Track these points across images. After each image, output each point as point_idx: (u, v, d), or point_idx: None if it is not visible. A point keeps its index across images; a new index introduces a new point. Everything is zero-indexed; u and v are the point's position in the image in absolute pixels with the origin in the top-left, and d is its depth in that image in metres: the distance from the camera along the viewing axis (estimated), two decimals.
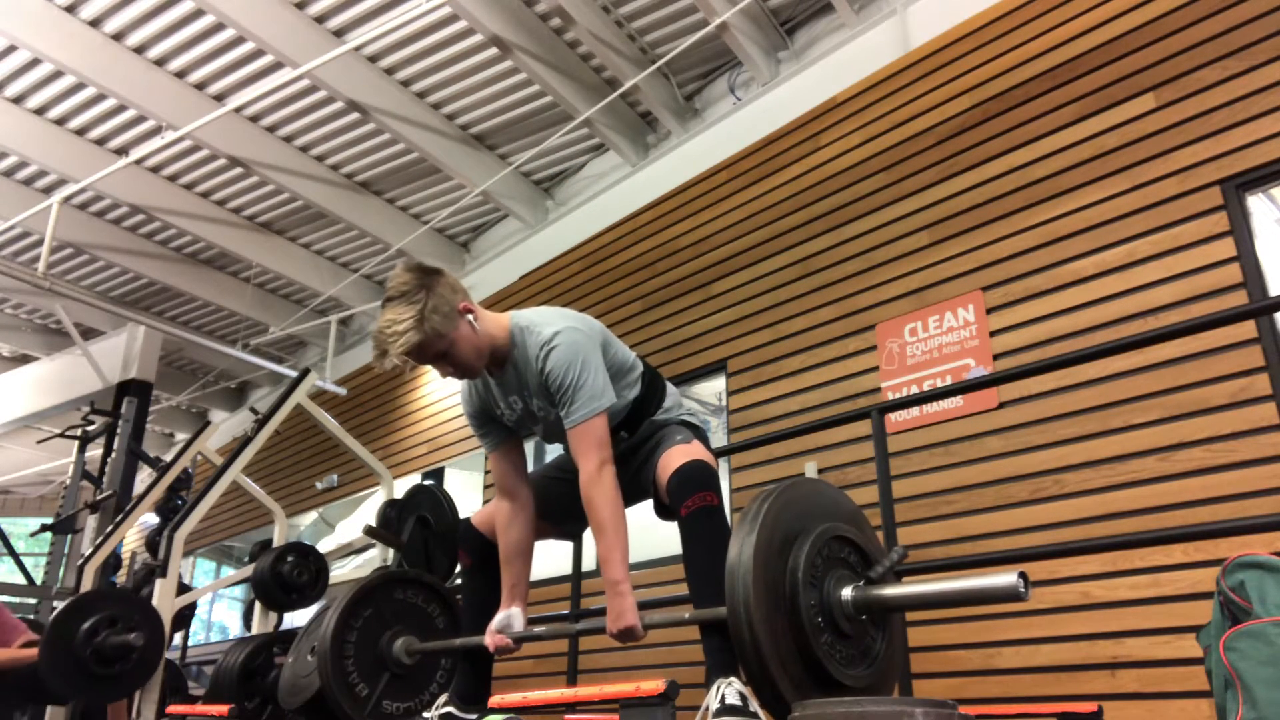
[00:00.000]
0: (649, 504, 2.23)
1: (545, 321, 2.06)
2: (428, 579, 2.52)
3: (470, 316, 2.01)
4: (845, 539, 1.57)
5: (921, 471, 4.13)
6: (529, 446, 2.66)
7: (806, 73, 5.58)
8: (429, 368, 8.14)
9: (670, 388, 2.29)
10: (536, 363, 2.03)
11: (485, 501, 6.69)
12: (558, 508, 2.28)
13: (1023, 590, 1.32)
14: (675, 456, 2.00)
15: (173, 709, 3.88)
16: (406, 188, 7.40)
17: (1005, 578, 1.33)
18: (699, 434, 2.21)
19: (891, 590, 1.50)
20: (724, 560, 1.89)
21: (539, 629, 2.14)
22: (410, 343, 1.91)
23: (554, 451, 2.43)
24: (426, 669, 2.38)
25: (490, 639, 2.10)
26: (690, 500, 1.90)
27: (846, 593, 1.48)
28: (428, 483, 6.29)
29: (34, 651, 3.66)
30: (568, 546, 3.73)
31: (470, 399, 2.24)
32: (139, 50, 6.02)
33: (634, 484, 2.18)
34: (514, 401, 2.16)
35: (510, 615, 2.12)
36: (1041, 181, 4.14)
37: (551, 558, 4.25)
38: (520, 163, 6.85)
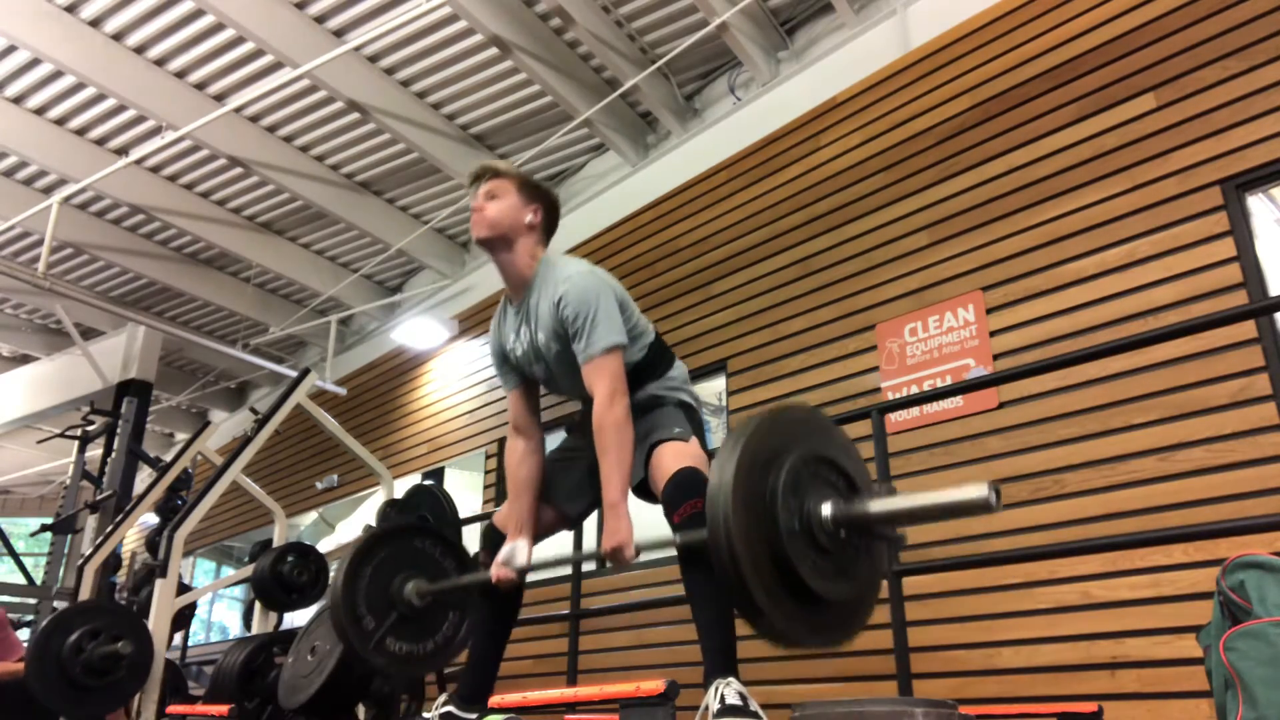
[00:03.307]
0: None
1: (572, 261, 2.19)
2: (447, 534, 2.57)
3: (533, 216, 2.20)
4: (831, 462, 1.58)
5: (921, 471, 4.13)
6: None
7: (806, 73, 5.58)
8: (429, 368, 8.11)
9: (679, 365, 2.30)
10: (554, 291, 2.09)
11: (486, 502, 6.70)
12: (562, 488, 2.29)
13: (994, 502, 1.34)
14: (669, 459, 2.02)
15: (173, 709, 3.89)
16: (406, 188, 7.40)
17: (976, 490, 1.35)
18: (694, 419, 2.20)
19: (871, 505, 1.51)
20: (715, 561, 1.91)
21: (541, 563, 2.16)
22: (509, 167, 2.26)
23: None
24: (433, 619, 2.42)
25: (495, 571, 2.13)
26: (683, 508, 1.93)
27: (826, 508, 1.50)
28: (428, 483, 6.29)
29: (20, 666, 3.67)
30: (567, 549, 3.72)
31: (494, 336, 2.33)
32: (139, 50, 6.02)
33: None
34: (523, 334, 2.21)
35: (515, 548, 2.15)
36: (1041, 181, 4.14)
37: (551, 549, 4.25)
38: (520, 163, 6.85)
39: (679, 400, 2.21)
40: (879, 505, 1.50)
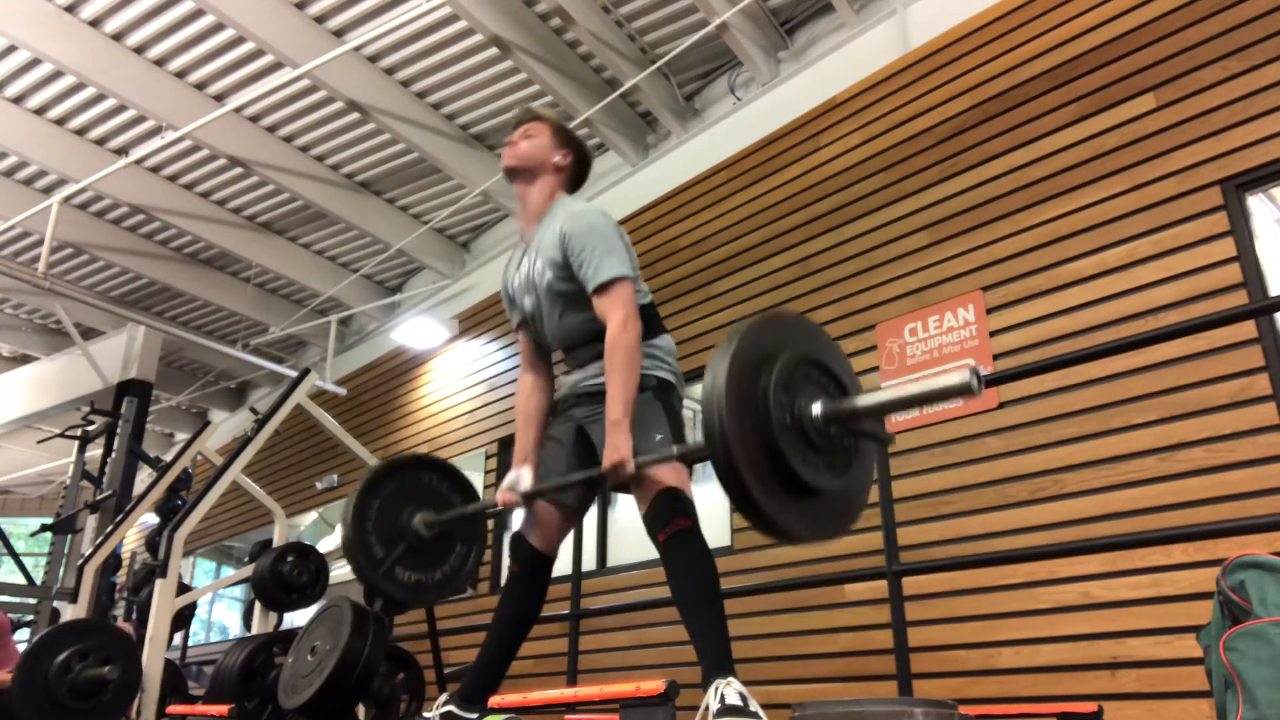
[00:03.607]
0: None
1: (584, 202, 2.33)
2: (455, 470, 2.64)
3: (561, 159, 2.34)
4: (822, 365, 1.63)
5: (921, 471, 4.13)
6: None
7: (806, 73, 5.58)
8: (429, 368, 8.08)
9: (667, 337, 2.33)
10: (563, 222, 2.19)
11: None
12: (551, 472, 2.27)
13: (975, 386, 1.37)
14: (649, 479, 2.01)
15: (173, 709, 3.89)
16: (406, 188, 7.40)
17: (957, 374, 1.39)
18: (673, 404, 2.18)
19: (858, 399, 1.57)
20: (703, 576, 1.91)
21: (548, 485, 2.18)
22: (547, 112, 2.37)
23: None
24: (441, 549, 2.49)
25: (500, 495, 2.20)
26: (666, 528, 1.96)
27: (817, 407, 1.55)
28: None
29: (7, 676, 3.63)
30: (567, 549, 3.72)
31: (504, 273, 2.42)
32: (139, 50, 6.02)
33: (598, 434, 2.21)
34: (524, 265, 2.29)
35: (520, 474, 2.22)
36: (1041, 181, 4.14)
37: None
38: None
39: (659, 380, 2.18)
40: (866, 398, 1.56)
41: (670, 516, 1.96)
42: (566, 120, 2.47)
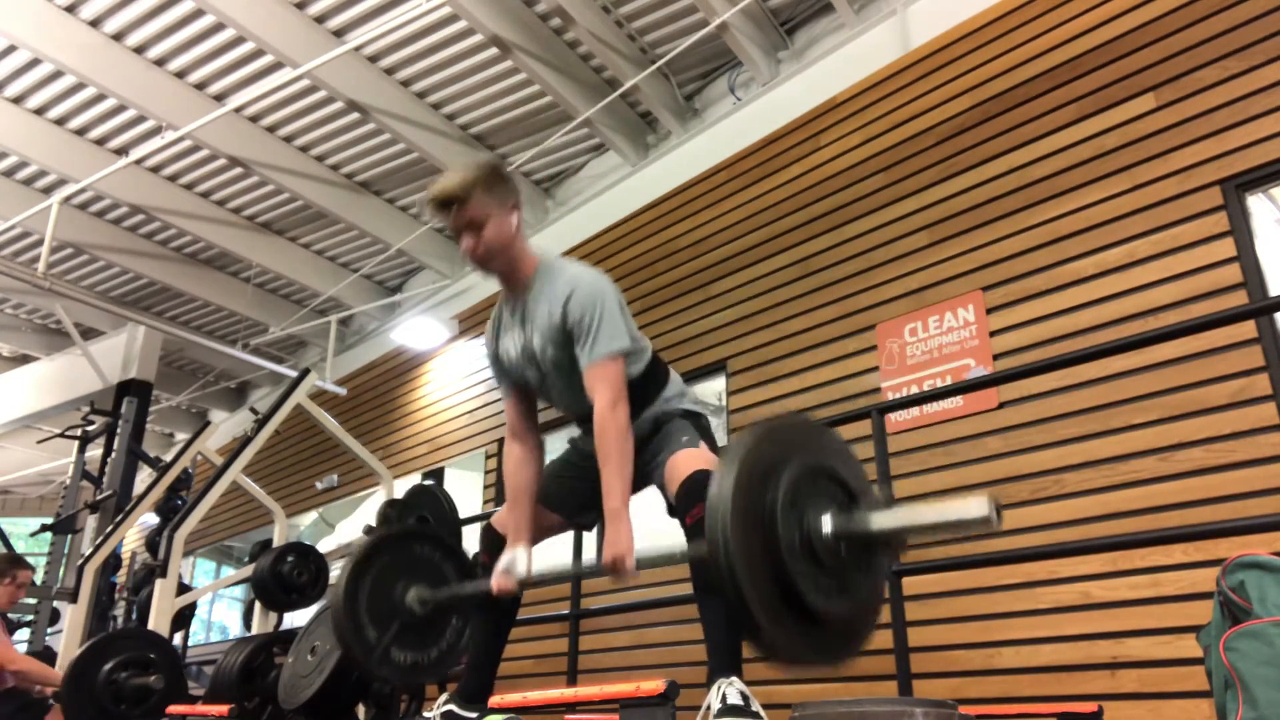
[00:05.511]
0: (646, 509, 2.22)
1: (573, 263, 2.16)
2: (446, 538, 2.56)
3: (516, 217, 2.11)
4: (829, 472, 1.57)
5: (921, 471, 4.13)
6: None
7: (806, 73, 5.58)
8: (429, 368, 8.06)
9: (674, 376, 2.29)
10: (559, 294, 2.06)
11: (486, 502, 6.70)
12: (572, 501, 2.28)
13: (995, 519, 1.34)
14: (681, 464, 2.01)
15: (173, 709, 3.88)
16: (406, 188, 7.40)
17: (978, 505, 1.35)
18: (701, 426, 2.20)
19: (871, 520, 1.51)
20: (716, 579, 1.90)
21: (541, 572, 2.13)
22: (469, 181, 2.02)
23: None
24: (436, 625, 2.41)
25: (495, 581, 2.13)
26: (695, 509, 1.92)
27: (827, 523, 1.49)
28: (428, 483, 6.29)
29: (59, 676, 3.73)
30: (568, 549, 3.73)
31: (489, 338, 2.30)
32: (139, 50, 6.02)
33: (641, 477, 2.16)
34: (517, 335, 2.18)
35: (515, 556, 2.13)
36: (1041, 181, 4.14)
37: (551, 558, 4.25)
38: (520, 163, 6.85)
39: (682, 411, 2.19)
40: (879, 521, 1.50)
41: (699, 499, 1.89)
42: (489, 162, 2.19)
